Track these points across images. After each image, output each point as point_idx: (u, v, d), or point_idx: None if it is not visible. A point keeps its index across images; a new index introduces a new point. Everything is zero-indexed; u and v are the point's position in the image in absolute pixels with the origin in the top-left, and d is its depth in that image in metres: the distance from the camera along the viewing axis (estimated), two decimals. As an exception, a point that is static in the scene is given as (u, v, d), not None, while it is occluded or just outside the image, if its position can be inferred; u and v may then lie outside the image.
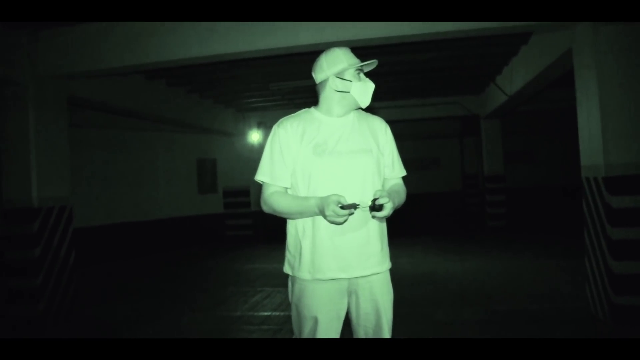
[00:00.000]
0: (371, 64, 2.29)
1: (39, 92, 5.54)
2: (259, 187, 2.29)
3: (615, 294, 4.42)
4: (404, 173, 2.39)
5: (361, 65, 2.26)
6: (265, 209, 2.25)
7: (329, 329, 2.17)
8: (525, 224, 12.14)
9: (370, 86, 2.26)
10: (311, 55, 5.33)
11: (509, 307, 5.17)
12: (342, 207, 1.97)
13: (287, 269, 2.26)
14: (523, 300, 5.45)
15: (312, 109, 2.31)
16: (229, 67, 7.34)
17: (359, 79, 2.25)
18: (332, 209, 1.96)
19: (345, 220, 2.06)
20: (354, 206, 1.98)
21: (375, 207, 2.00)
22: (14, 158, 5.52)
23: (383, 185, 2.31)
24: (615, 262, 4.43)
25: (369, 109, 2.39)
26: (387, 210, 2.01)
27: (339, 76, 2.23)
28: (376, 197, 2.01)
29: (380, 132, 2.31)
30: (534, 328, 4.45)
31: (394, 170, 2.34)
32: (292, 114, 2.30)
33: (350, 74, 2.23)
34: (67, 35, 5.46)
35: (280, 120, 2.27)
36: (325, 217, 2.03)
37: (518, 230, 11.30)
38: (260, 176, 2.24)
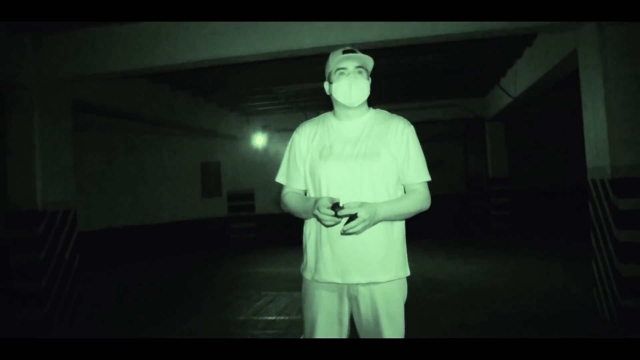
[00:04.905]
0: (348, 58, 2.15)
1: (44, 96, 5.56)
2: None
3: (622, 296, 4.38)
4: (422, 179, 2.18)
5: (339, 64, 2.16)
6: (282, 207, 2.33)
7: (328, 333, 2.14)
8: (531, 226, 12.09)
9: (348, 82, 2.14)
10: (315, 58, 5.36)
11: (514, 310, 5.14)
12: (332, 208, 1.93)
13: (301, 267, 2.29)
14: (529, 303, 5.42)
15: (329, 113, 2.33)
16: (233, 71, 7.36)
17: (343, 77, 2.16)
18: (318, 209, 1.96)
19: (335, 223, 1.99)
20: (340, 208, 1.93)
21: (336, 212, 1.92)
22: (19, 162, 5.53)
23: (404, 191, 2.21)
24: (622, 264, 4.39)
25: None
26: (350, 212, 1.92)
27: (329, 80, 2.24)
28: (339, 202, 1.95)
29: (394, 135, 2.17)
30: (539, 331, 4.42)
31: (406, 176, 2.17)
32: (313, 118, 2.36)
33: (335, 75, 2.19)
34: (71, 39, 5.48)
35: (300, 124, 2.35)
36: (316, 217, 2.04)
37: (523, 232, 11.26)
38: (278, 178, 2.36)
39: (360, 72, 2.18)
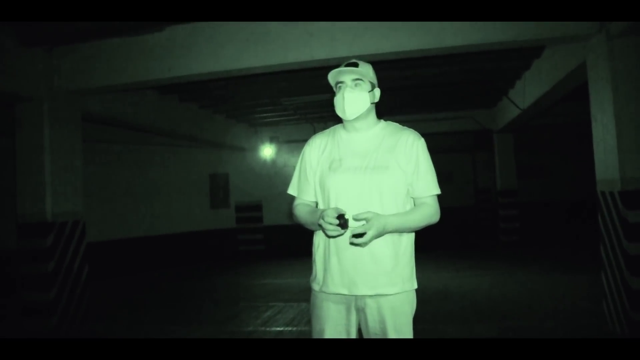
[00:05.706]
0: (343, 72, 2.17)
1: (54, 108, 5.61)
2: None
3: (633, 310, 4.33)
4: (432, 192, 2.18)
5: (336, 78, 2.20)
6: (293, 219, 2.35)
7: None
8: (539, 239, 12.01)
9: (342, 96, 2.16)
10: (323, 70, 5.37)
11: (522, 324, 5.09)
12: (338, 219, 1.93)
13: (310, 279, 2.29)
14: (537, 315, 5.37)
15: (339, 125, 2.33)
16: (242, 83, 7.40)
17: (339, 91, 2.19)
18: (323, 218, 1.96)
19: (338, 234, 1.98)
20: (345, 219, 1.93)
21: (341, 223, 1.93)
22: (29, 173, 5.58)
23: (414, 204, 2.20)
24: (633, 277, 4.34)
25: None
26: (361, 233, 1.93)
27: (334, 95, 2.24)
28: (344, 214, 1.95)
29: (403, 148, 2.16)
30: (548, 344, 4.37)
31: (415, 189, 2.16)
32: (324, 130, 2.37)
33: (336, 89, 2.22)
34: (81, 52, 5.55)
35: (312, 137, 2.36)
36: (321, 228, 2.04)
37: (531, 245, 11.19)
38: (289, 190, 2.38)
39: (357, 85, 2.18)
